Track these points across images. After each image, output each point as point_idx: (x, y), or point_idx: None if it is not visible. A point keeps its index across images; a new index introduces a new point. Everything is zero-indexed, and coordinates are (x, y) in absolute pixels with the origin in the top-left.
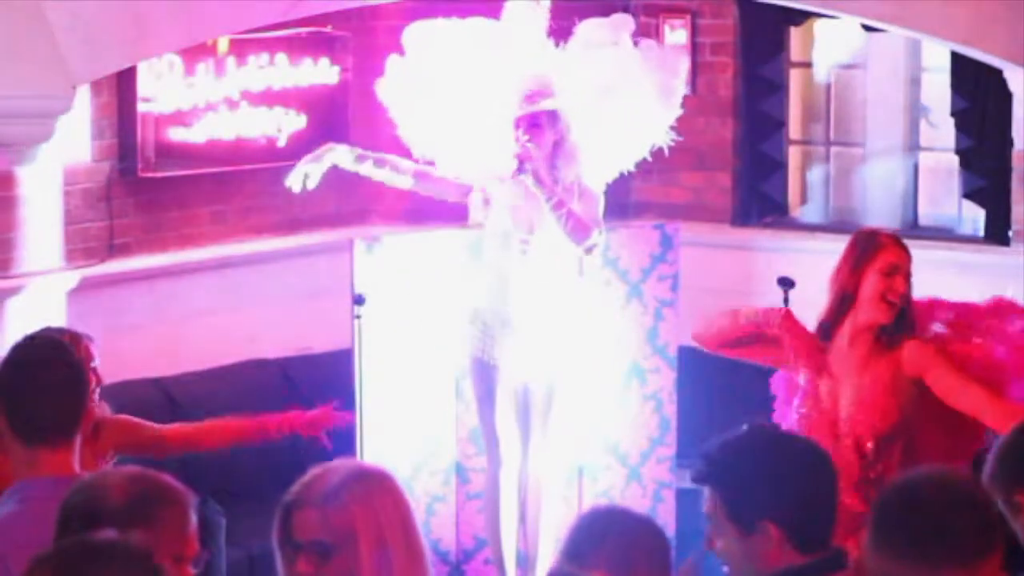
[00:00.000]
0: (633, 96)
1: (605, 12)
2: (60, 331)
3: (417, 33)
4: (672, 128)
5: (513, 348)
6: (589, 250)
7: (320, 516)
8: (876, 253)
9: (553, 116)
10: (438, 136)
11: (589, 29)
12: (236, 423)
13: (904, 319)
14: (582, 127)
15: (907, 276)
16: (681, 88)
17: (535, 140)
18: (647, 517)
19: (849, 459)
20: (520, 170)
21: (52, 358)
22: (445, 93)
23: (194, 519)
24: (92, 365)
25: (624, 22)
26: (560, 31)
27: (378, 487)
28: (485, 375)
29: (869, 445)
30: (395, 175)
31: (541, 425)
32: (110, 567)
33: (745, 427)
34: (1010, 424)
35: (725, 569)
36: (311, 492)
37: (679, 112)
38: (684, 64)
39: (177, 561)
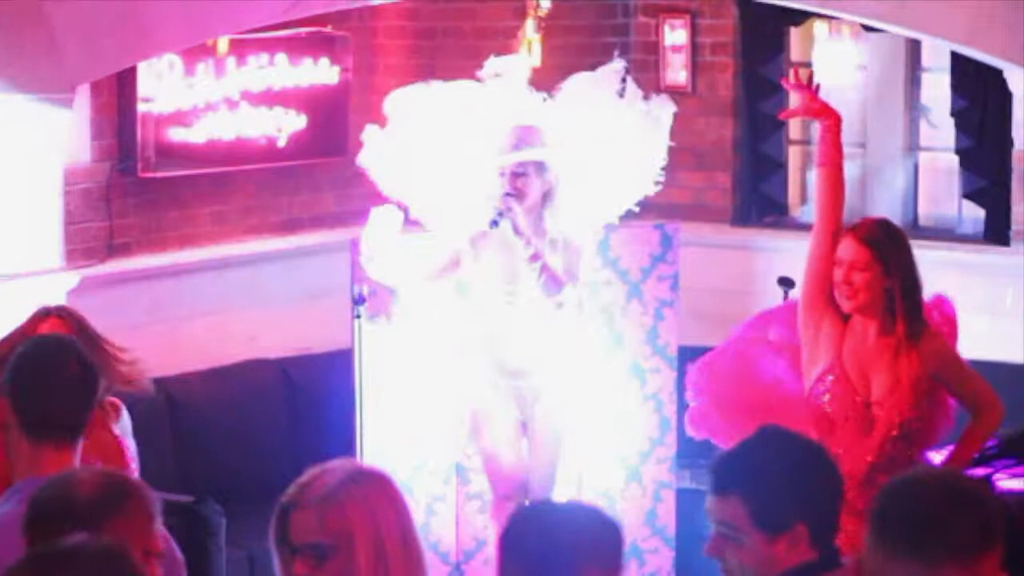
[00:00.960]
0: (617, 148)
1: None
2: (50, 309)
3: (398, 101)
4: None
5: (512, 393)
6: (559, 305)
7: (317, 518)
8: (839, 245)
9: (540, 166)
10: (426, 196)
11: (578, 83)
12: None
13: (905, 313)
14: (568, 177)
15: (855, 268)
16: (665, 140)
17: (521, 188)
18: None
19: (878, 443)
20: (494, 221)
21: (66, 356)
22: (429, 157)
23: (159, 519)
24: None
25: (613, 74)
26: (548, 82)
27: (375, 489)
28: (483, 420)
29: (895, 431)
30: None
31: (548, 464)
32: (82, 568)
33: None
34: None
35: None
36: (308, 493)
37: (663, 164)
38: (669, 115)
39: (146, 555)
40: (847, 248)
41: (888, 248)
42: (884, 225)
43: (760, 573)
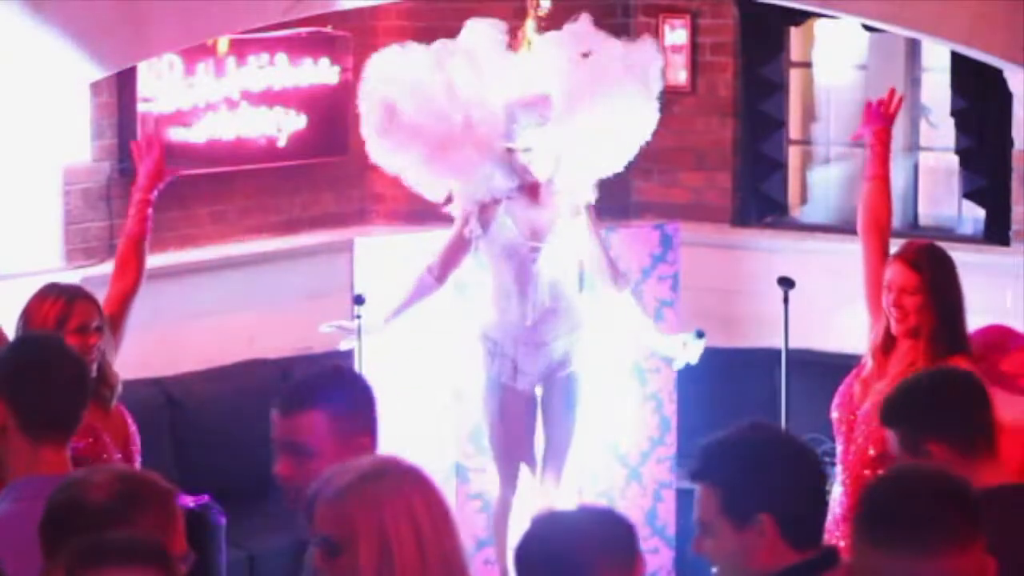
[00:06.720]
0: (615, 99)
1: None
2: (59, 287)
3: (378, 65)
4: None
5: (529, 362)
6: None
7: (330, 512)
8: (887, 269)
9: None
10: (433, 169)
11: (547, 43)
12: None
13: (939, 336)
14: (576, 135)
15: (905, 292)
16: (658, 81)
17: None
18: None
19: (859, 459)
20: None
21: (63, 355)
22: (419, 118)
23: (181, 519)
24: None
25: (585, 30)
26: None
27: (394, 488)
28: (501, 395)
29: (871, 451)
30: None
31: (564, 437)
32: (124, 563)
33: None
34: None
35: (714, 570)
36: (327, 487)
37: (657, 108)
38: (658, 56)
39: None
40: (897, 273)
41: (937, 273)
42: (931, 249)
43: (739, 565)
